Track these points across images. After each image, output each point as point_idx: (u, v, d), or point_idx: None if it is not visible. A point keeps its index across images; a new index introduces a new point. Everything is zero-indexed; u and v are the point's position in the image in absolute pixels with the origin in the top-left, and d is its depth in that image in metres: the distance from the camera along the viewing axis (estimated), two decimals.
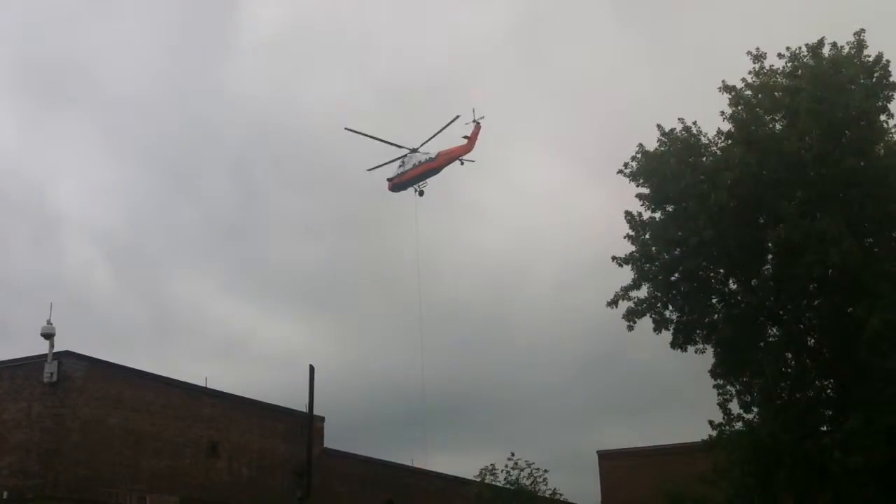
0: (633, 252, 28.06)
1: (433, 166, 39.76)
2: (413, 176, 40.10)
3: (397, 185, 40.63)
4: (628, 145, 28.58)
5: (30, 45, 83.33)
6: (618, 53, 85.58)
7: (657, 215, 27.94)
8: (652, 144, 28.17)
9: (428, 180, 40.07)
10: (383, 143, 40.39)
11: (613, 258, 28.21)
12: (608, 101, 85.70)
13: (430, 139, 40.03)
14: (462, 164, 39.45)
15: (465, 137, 39.01)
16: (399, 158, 40.83)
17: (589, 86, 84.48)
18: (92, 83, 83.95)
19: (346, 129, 40.53)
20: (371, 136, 40.08)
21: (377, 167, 41.77)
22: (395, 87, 77.25)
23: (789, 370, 27.54)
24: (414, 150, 40.23)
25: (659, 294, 27.89)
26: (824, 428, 27.14)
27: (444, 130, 39.47)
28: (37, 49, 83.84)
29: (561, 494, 42.81)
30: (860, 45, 26.21)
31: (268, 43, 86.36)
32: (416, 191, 40.35)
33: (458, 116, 38.90)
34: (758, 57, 27.29)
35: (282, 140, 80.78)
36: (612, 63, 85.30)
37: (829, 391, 27.72)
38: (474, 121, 38.77)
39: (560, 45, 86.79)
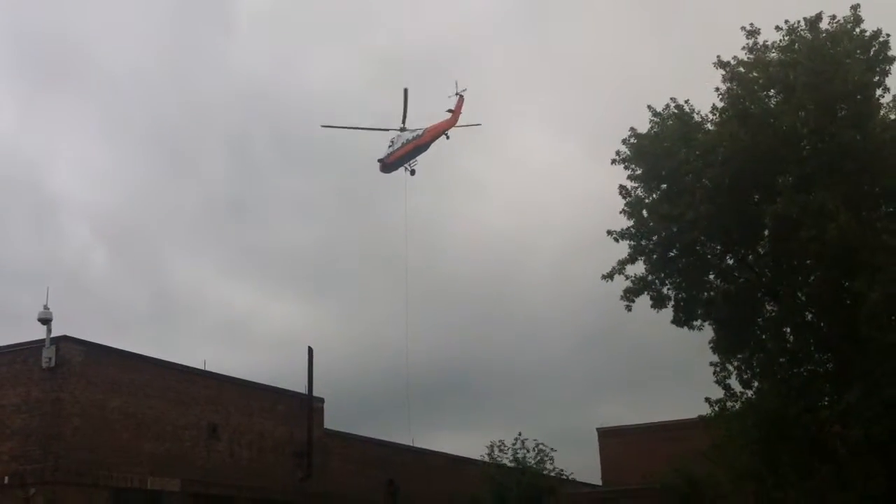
0: (629, 227, 28.04)
1: (420, 143, 39.73)
2: (402, 154, 40.04)
3: (388, 165, 40.49)
4: (631, 121, 28.51)
5: (26, 24, 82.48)
6: (622, 28, 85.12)
7: (652, 196, 27.87)
8: (647, 125, 28.11)
9: (418, 158, 40.04)
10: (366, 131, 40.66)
11: (609, 232, 28.21)
12: (611, 76, 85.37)
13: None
14: (448, 137, 39.50)
15: (449, 111, 39.04)
16: (386, 129, 40.77)
17: (592, 61, 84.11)
18: (89, 62, 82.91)
19: (322, 126, 41.16)
20: (349, 128, 40.67)
21: (333, 126, 41.88)
22: (396, 61, 76.57)
23: (788, 345, 27.56)
24: (402, 129, 40.16)
25: (656, 270, 27.86)
26: (825, 402, 27.20)
27: (431, 106, 39.62)
28: (33, 27, 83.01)
29: (572, 474, 42.85)
30: (857, 19, 26.04)
31: (267, 17, 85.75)
32: (406, 169, 40.31)
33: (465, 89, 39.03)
34: (752, 32, 27.12)
35: (281, 117, 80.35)
36: (615, 38, 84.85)
37: (828, 365, 27.73)
38: (457, 93, 38.80)
39: (563, 20, 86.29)
